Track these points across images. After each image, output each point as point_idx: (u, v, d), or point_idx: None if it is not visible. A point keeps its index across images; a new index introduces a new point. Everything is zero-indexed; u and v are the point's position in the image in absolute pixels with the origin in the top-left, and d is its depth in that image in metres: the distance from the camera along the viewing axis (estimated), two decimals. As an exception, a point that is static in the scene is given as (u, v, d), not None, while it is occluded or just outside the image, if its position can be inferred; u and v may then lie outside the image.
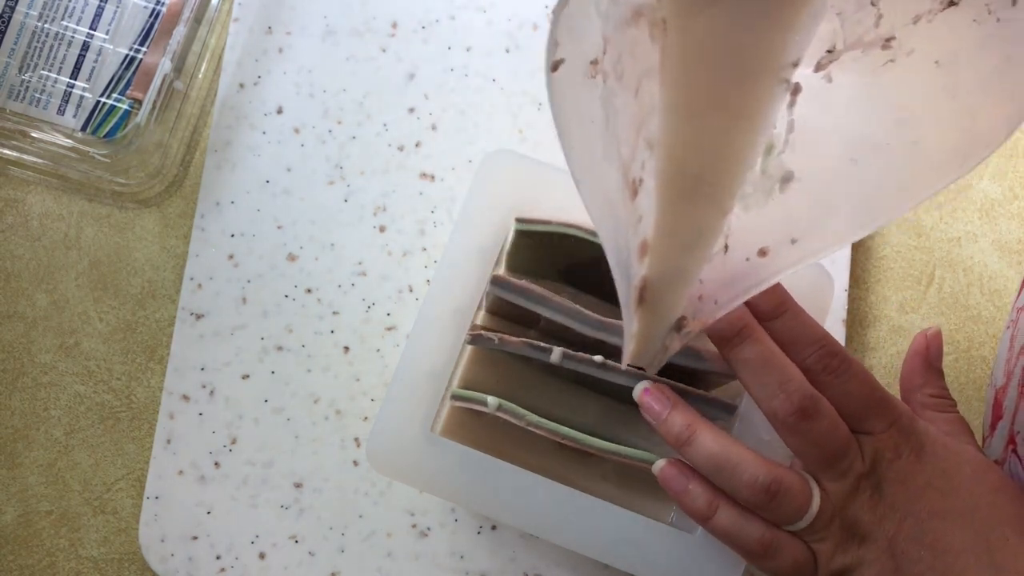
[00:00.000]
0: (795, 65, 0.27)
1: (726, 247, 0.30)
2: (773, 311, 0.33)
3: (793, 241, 0.30)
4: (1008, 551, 0.32)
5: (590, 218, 0.28)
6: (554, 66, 0.25)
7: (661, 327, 0.31)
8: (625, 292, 0.30)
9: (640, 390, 0.34)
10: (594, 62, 0.27)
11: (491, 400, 0.36)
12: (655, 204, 0.29)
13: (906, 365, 0.38)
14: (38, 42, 0.47)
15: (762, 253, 0.30)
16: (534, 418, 0.36)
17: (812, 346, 0.33)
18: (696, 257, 0.30)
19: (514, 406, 0.36)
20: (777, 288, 0.33)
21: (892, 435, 0.33)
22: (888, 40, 0.27)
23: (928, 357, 0.37)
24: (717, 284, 0.31)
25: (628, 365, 0.32)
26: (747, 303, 0.33)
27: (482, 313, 0.40)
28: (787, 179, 0.29)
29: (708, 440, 0.33)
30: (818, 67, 0.28)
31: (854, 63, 0.28)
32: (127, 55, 0.47)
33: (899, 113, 0.28)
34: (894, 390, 0.35)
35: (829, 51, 0.28)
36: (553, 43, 0.25)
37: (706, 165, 0.28)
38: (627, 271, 0.30)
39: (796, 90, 0.28)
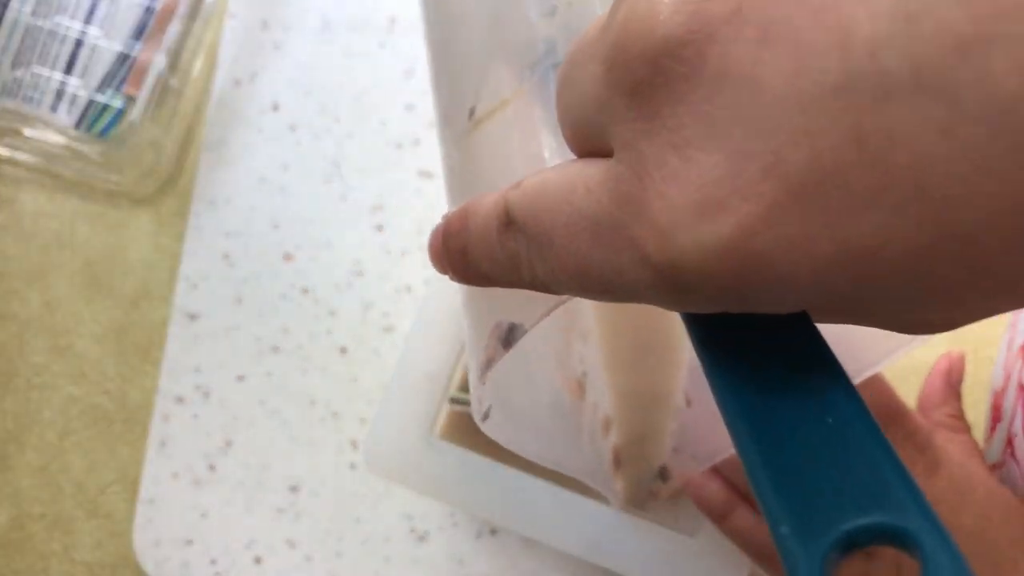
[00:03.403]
0: None
1: (689, 401, 0.31)
2: None
3: None
4: (1017, 574, 0.32)
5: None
6: (484, 416, 0.25)
7: (644, 479, 0.32)
8: (598, 474, 0.31)
9: None
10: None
11: (490, 403, 0.36)
12: (605, 382, 0.29)
13: (927, 384, 0.38)
14: (31, 39, 0.46)
15: None
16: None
17: None
18: (658, 414, 0.30)
19: (514, 409, 0.36)
20: None
21: (907, 448, 0.33)
22: None
23: (950, 379, 0.38)
24: (691, 438, 0.31)
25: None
26: None
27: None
28: None
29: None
30: None
31: None
32: (121, 51, 0.46)
33: None
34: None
35: None
36: (477, 400, 0.24)
37: (642, 329, 0.29)
38: (598, 463, 0.31)
39: None
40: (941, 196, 0.13)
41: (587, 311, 0.28)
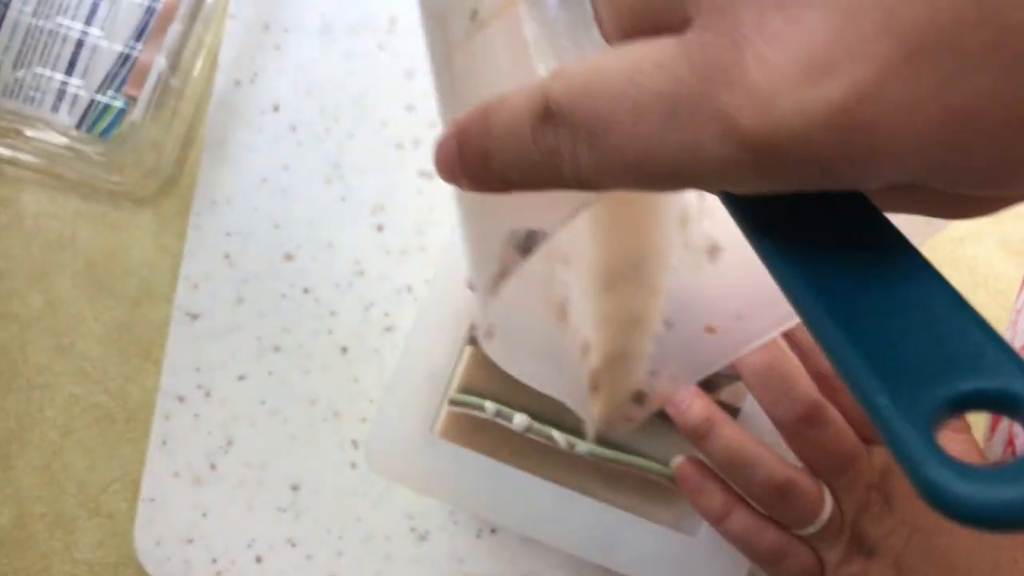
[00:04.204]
0: None
1: (669, 324, 0.30)
2: None
3: (739, 317, 0.29)
4: (1016, 574, 0.32)
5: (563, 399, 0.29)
6: (487, 333, 0.24)
7: (619, 402, 0.31)
8: (577, 397, 0.30)
9: None
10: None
11: (488, 406, 0.36)
12: (584, 305, 0.28)
13: None
14: (32, 39, 0.46)
15: (709, 330, 0.30)
16: (534, 425, 0.35)
17: None
18: (636, 338, 0.30)
19: (512, 412, 0.35)
20: None
21: None
22: None
23: None
24: (671, 360, 0.30)
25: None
26: None
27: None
28: (714, 250, 0.28)
29: (727, 434, 0.32)
30: None
31: None
32: (122, 52, 0.46)
33: None
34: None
35: None
36: (483, 317, 0.23)
37: (624, 253, 0.28)
38: (577, 387, 0.30)
39: None
40: None
41: (568, 235, 0.27)
